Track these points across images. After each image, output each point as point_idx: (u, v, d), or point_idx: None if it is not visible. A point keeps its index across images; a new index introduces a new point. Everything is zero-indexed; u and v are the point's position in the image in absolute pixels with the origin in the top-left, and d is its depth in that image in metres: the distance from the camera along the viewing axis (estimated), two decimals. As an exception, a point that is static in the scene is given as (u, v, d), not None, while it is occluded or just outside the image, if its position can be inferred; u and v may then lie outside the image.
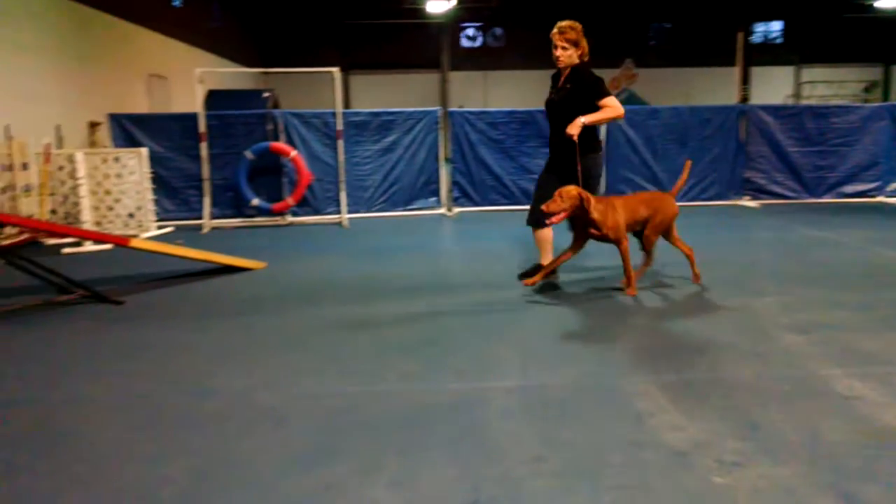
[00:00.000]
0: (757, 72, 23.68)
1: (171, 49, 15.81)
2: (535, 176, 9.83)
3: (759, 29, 28.25)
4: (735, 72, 22.81)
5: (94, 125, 11.07)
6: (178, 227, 8.77)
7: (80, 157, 7.66)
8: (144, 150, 8.44)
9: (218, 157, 9.05)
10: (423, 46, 26.59)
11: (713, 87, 26.33)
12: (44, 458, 2.60)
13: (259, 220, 9.19)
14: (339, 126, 9.13)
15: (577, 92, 4.80)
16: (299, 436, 2.75)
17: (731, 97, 22.13)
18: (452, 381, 3.30)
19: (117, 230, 7.88)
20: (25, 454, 2.63)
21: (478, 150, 9.86)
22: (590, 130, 4.84)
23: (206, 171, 8.79)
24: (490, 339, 3.96)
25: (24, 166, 7.94)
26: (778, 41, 29.08)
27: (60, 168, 7.99)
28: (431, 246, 7.27)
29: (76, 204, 7.67)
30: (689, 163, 5.34)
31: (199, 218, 8.85)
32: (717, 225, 8.32)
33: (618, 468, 2.43)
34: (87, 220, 7.56)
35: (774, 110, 10.44)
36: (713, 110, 10.34)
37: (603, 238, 4.78)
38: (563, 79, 4.93)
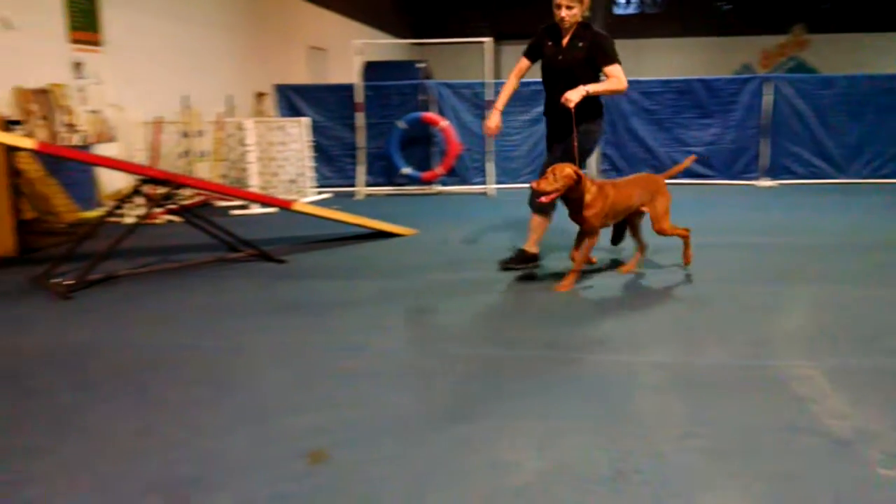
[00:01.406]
0: (951, 36, 21.24)
1: (328, 21, 16.41)
2: (691, 149, 9.52)
3: (957, -13, 25.20)
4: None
5: (260, 95, 11.76)
6: (334, 194, 9.20)
7: (249, 125, 8.20)
8: (306, 120, 8.90)
9: (372, 127, 9.35)
10: (574, 15, 25.94)
11: (893, 54, 23.86)
12: (211, 399, 2.85)
13: (409, 188, 9.45)
14: (489, 97, 9.16)
15: (590, 51, 4.54)
16: (441, 393, 2.86)
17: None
18: (596, 352, 3.28)
19: (279, 195, 8.38)
20: (196, 394, 2.90)
21: (629, 120, 9.57)
22: (590, 98, 4.48)
23: (361, 140, 9.14)
24: (637, 312, 3.90)
25: (200, 133, 8.61)
26: (978, 1, 25.82)
27: (230, 135, 8.61)
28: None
29: (244, 169, 8.24)
30: (693, 157, 5.02)
31: (354, 185, 9.23)
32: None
33: (772, 452, 2.33)
34: (255, 185, 8.10)
35: (970, 79, 9.35)
36: (896, 79, 9.42)
37: (579, 222, 4.43)
38: (567, 38, 4.64)
